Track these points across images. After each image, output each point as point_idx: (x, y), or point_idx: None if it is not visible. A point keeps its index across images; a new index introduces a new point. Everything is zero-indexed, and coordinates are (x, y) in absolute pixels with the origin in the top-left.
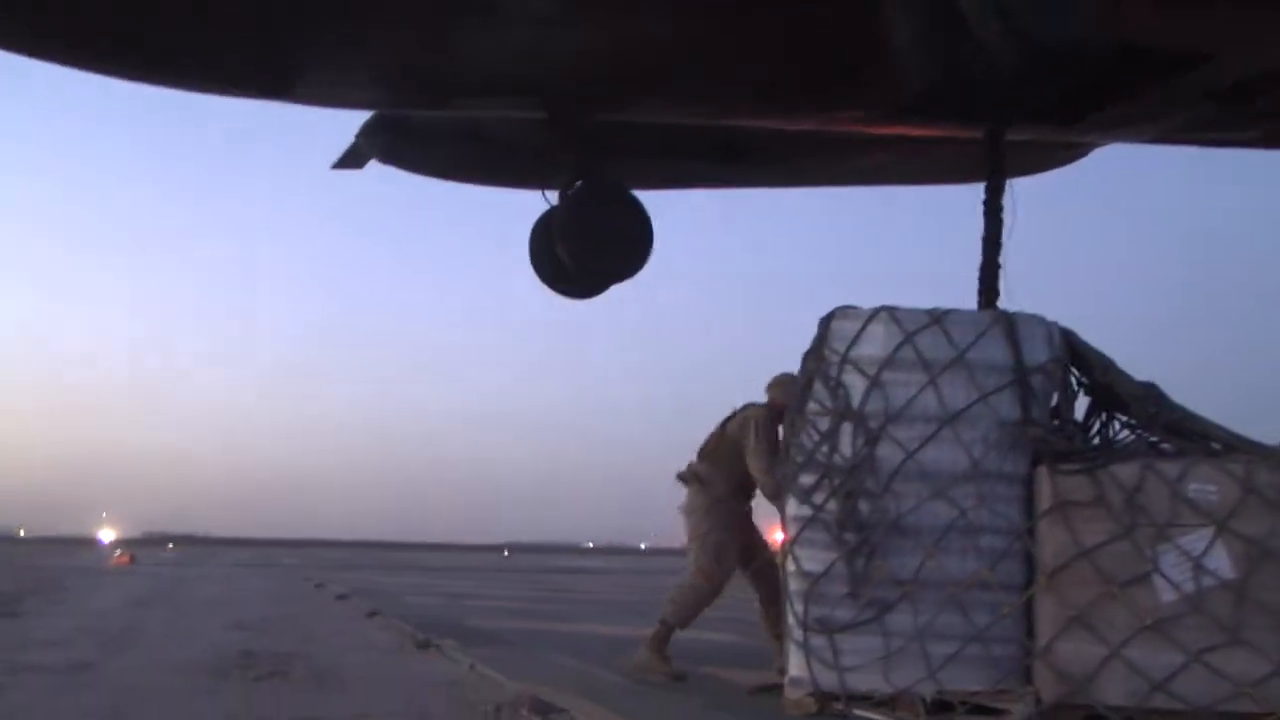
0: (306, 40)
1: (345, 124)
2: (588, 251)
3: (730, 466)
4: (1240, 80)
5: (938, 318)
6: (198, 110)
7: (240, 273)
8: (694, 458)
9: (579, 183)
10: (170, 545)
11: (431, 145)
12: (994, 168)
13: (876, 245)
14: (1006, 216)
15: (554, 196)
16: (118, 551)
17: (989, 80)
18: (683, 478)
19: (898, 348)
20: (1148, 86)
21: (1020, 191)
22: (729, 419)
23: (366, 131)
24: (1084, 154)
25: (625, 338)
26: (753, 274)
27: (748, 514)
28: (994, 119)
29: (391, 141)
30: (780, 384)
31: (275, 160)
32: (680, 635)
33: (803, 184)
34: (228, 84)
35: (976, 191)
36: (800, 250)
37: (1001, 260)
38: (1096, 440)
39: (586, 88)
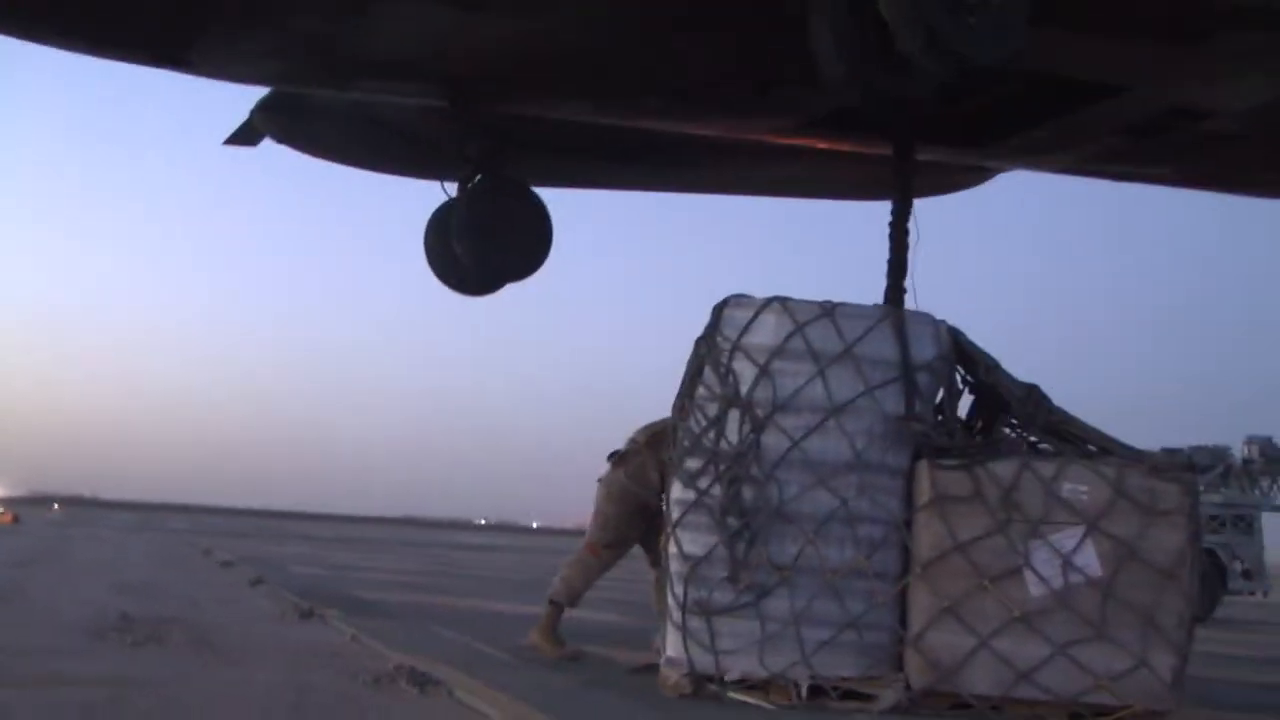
0: (205, 8)
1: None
2: (485, 249)
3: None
4: (1152, 115)
5: (829, 310)
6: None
7: (134, 236)
8: (637, 434)
9: (479, 176)
10: (56, 506)
11: (329, 128)
12: (901, 186)
13: (783, 259)
14: (912, 236)
15: (453, 189)
16: (0, 510)
17: (900, 98)
18: (617, 454)
19: (788, 338)
20: (1057, 116)
21: (926, 211)
22: None
23: (262, 108)
24: (990, 177)
25: (520, 321)
26: (651, 268)
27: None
28: (903, 137)
29: (288, 121)
30: None
31: (167, 130)
32: (563, 615)
33: (708, 190)
34: (122, 48)
35: (886, 208)
36: (699, 257)
37: (907, 283)
38: (978, 438)
39: (491, 79)
